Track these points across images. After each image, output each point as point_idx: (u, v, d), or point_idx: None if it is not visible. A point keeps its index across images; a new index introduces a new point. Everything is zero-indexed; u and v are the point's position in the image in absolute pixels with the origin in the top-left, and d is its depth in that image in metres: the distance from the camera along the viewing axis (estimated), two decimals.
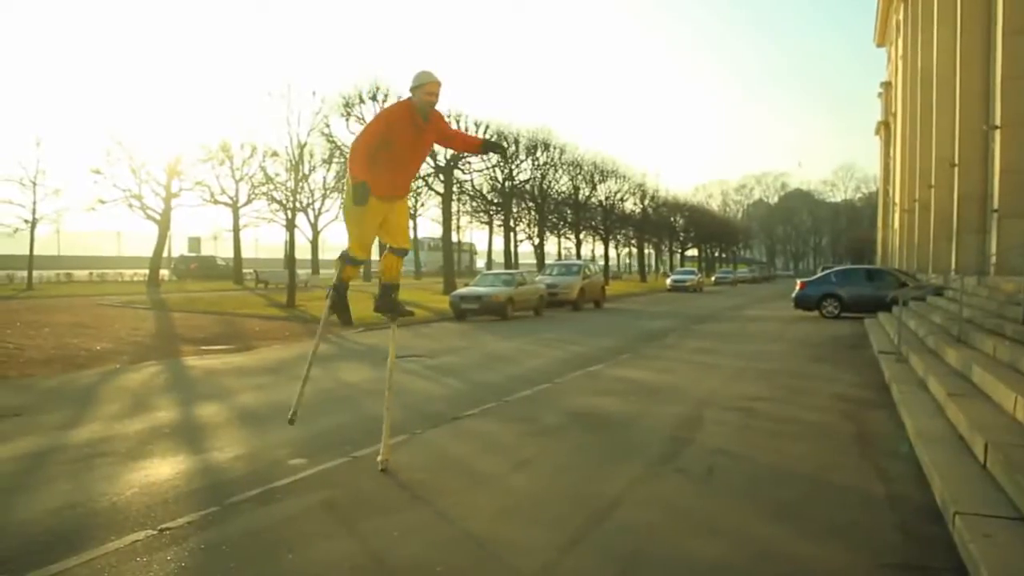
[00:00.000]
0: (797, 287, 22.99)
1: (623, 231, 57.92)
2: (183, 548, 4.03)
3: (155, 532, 4.25)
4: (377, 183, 5.04)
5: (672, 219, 68.01)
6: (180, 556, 3.92)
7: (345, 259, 5.53)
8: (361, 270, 6.35)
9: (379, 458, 5.51)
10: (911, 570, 3.78)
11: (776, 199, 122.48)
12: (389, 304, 5.72)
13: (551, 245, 52.29)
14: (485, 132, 34.08)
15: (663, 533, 4.29)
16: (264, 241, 56.08)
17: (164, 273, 39.04)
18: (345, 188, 5.44)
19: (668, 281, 46.94)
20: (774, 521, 4.49)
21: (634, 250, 66.24)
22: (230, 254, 41.08)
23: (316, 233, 41.60)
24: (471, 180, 38.29)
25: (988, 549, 3.62)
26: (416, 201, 42.56)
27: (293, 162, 24.06)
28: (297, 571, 3.76)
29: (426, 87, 5.08)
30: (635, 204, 55.45)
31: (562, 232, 50.77)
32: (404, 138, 5.11)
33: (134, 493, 5.02)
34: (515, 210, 42.45)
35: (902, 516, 4.55)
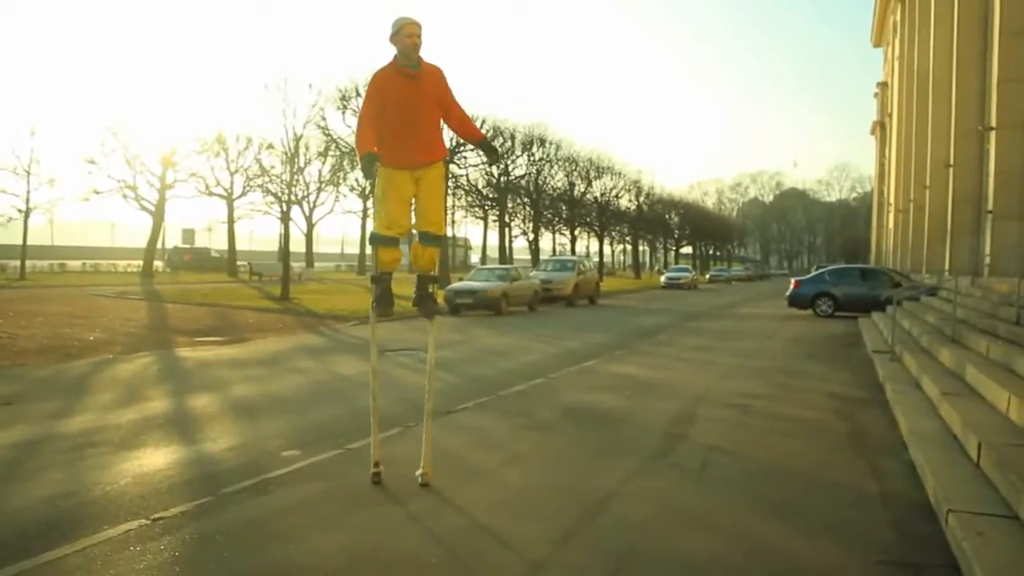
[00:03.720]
0: (791, 286, 23.04)
1: (618, 228, 58.02)
2: (176, 538, 4.02)
3: (148, 521, 4.24)
4: (389, 153, 4.85)
5: (667, 216, 68.18)
6: (173, 545, 3.91)
7: (371, 240, 5.17)
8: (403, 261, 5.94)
9: (418, 472, 5.03)
10: (904, 567, 3.79)
11: (771, 198, 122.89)
12: (419, 298, 5.36)
13: (546, 241, 52.43)
14: (481, 127, 34.09)
15: (657, 528, 4.29)
16: (259, 233, 55.86)
17: (158, 264, 38.91)
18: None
19: (662, 278, 46.94)
20: (767, 517, 4.50)
21: (629, 247, 66.31)
22: (224, 246, 40.99)
23: (311, 226, 41.46)
24: (466, 175, 38.30)
25: (981, 547, 3.64)
26: None
27: (289, 155, 24.02)
28: (291, 562, 3.75)
29: (404, 29, 4.69)
30: (630, 201, 55.61)
31: (557, 228, 50.83)
32: (396, 92, 4.77)
33: (127, 483, 5.01)
34: (510, 205, 42.46)
35: (895, 514, 4.56)
